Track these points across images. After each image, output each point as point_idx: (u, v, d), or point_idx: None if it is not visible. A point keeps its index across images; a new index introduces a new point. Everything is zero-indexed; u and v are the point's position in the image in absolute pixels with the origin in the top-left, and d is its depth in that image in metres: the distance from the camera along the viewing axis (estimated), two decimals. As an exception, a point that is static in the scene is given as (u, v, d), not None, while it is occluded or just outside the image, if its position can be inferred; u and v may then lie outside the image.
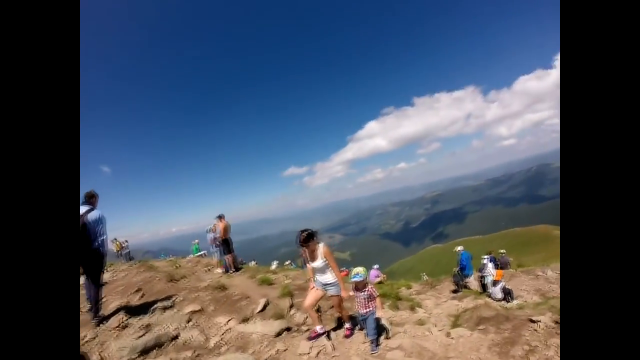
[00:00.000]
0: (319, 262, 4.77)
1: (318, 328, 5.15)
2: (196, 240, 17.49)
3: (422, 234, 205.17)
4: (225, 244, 10.77)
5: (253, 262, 18.62)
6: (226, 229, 10.83)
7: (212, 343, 5.16)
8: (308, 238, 4.62)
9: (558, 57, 2.00)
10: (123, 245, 20.26)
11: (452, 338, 5.72)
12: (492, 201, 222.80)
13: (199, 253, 16.37)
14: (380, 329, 5.20)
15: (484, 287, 11.91)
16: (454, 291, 12.48)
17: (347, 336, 5.37)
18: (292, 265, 20.81)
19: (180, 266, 12.24)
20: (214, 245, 11.26)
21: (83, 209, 5.04)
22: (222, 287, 8.35)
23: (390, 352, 4.92)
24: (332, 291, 4.91)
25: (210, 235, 11.14)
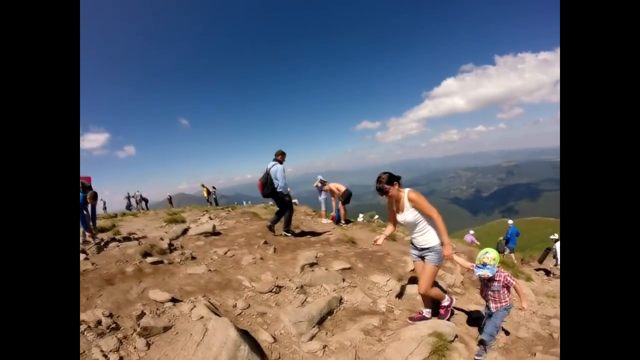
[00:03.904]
0: (407, 214, 3.79)
1: (425, 312, 4.27)
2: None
3: (492, 205, 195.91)
4: (345, 197, 10.57)
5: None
6: (339, 187, 10.76)
7: (381, 306, 4.66)
8: (390, 181, 3.72)
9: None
10: (211, 191, 21.17)
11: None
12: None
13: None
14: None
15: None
16: None
17: (412, 318, 4.23)
18: (380, 219, 19.91)
19: None
20: (320, 194, 11.32)
21: (270, 164, 7.29)
22: (352, 241, 7.71)
23: (553, 319, 4.98)
24: (429, 257, 3.85)
25: (319, 185, 11.13)
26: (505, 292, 3.69)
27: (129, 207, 21.26)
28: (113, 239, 6.90)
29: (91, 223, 6.87)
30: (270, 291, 4.46)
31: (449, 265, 6.75)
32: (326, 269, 5.46)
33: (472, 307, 4.88)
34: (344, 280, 5.18)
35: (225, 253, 5.97)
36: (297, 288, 4.64)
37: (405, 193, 3.75)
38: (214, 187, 21.59)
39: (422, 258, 3.95)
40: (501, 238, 14.29)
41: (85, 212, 6.66)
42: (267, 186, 7.17)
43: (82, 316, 3.49)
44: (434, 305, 4.31)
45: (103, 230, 8.16)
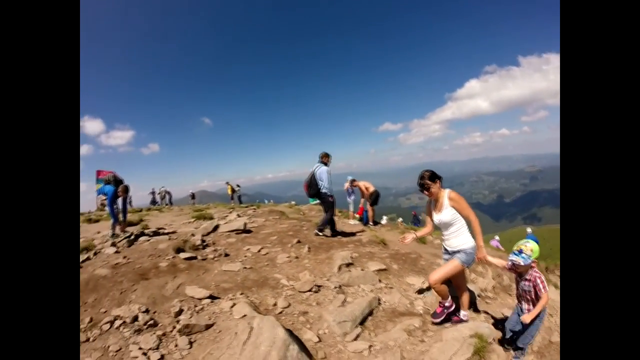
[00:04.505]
0: (445, 214, 3.70)
1: (462, 315, 4.10)
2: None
3: (515, 211, 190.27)
4: (373, 197, 10.56)
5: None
6: (368, 186, 10.84)
7: (419, 308, 4.52)
8: (432, 177, 3.67)
9: None
10: (235, 189, 21.34)
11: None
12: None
13: (316, 202, 15.51)
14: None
15: None
16: None
17: (434, 315, 4.07)
18: (403, 223, 19.54)
19: (305, 213, 11.79)
20: (349, 196, 11.57)
21: (316, 166, 7.52)
22: (384, 242, 7.54)
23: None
24: (458, 255, 3.73)
25: (349, 187, 11.27)
26: (535, 295, 3.44)
27: (153, 202, 21.51)
28: (142, 233, 6.84)
29: (121, 216, 6.78)
30: (310, 290, 4.31)
31: (480, 270, 6.51)
32: (362, 270, 5.27)
33: (506, 312, 4.71)
34: (380, 281, 5.01)
35: (259, 251, 5.83)
36: (335, 288, 4.50)
37: (446, 193, 3.69)
38: (238, 186, 21.66)
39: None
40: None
41: (115, 206, 6.57)
42: (312, 187, 7.52)
43: (117, 311, 3.36)
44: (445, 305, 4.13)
45: (131, 224, 8.12)
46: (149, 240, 6.23)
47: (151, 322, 3.21)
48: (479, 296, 5.18)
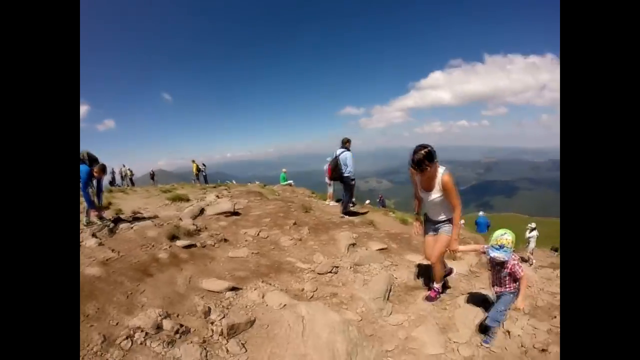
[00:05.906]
0: (435, 195, 3.50)
1: (437, 287, 4.06)
2: (284, 169, 16.51)
3: (469, 198, 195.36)
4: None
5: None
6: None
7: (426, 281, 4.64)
8: (429, 157, 3.21)
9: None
10: (201, 168, 20.41)
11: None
12: (549, 184, 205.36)
13: (287, 182, 15.13)
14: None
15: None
16: None
17: (429, 298, 4.01)
18: (370, 205, 20.11)
19: (280, 194, 11.35)
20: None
21: (339, 151, 7.85)
22: (372, 223, 7.72)
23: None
24: (445, 229, 3.65)
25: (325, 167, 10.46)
26: (511, 279, 3.24)
27: (112, 182, 19.79)
28: (119, 219, 6.03)
29: (96, 200, 5.91)
30: (330, 272, 4.30)
31: (469, 243, 6.67)
32: (366, 249, 5.36)
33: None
34: (385, 259, 5.09)
35: (258, 234, 5.56)
36: (350, 267, 4.55)
37: (440, 174, 3.38)
38: (203, 165, 20.69)
39: (436, 230, 3.71)
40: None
41: (90, 188, 5.70)
42: (336, 170, 7.84)
43: (134, 321, 2.68)
44: (431, 282, 4.15)
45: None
46: (131, 227, 5.46)
47: (182, 328, 2.69)
48: (470, 271, 5.36)
